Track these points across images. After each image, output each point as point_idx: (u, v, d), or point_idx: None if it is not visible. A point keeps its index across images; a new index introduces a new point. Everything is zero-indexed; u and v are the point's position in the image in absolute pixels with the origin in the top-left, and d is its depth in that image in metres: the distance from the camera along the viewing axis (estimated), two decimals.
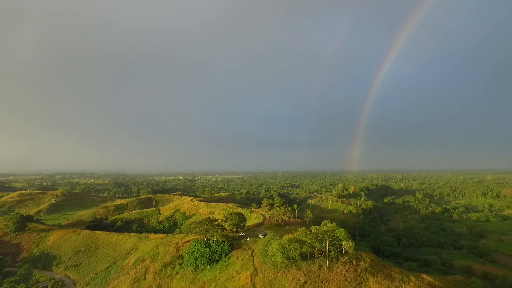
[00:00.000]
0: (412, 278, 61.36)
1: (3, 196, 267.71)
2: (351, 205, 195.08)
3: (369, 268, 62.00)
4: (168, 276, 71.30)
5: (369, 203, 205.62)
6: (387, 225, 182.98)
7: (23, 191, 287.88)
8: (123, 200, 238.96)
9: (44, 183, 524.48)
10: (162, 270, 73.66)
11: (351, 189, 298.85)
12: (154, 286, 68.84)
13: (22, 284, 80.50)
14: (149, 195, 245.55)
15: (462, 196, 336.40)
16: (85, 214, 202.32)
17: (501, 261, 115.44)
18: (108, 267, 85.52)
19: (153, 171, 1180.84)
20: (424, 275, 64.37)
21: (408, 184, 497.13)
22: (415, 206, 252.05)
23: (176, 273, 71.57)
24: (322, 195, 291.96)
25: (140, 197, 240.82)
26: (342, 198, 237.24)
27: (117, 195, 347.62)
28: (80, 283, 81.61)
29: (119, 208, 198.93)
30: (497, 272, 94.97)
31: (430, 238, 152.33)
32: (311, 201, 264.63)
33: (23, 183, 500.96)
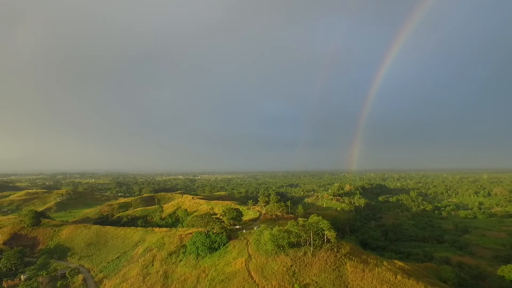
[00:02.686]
0: (385, 263, 70.84)
1: (10, 194, 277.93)
2: (345, 203, 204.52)
3: (347, 254, 71.50)
4: (173, 263, 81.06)
5: (362, 201, 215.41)
6: (378, 222, 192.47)
7: (29, 190, 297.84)
8: (127, 198, 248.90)
9: (47, 183, 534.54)
10: (167, 257, 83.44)
11: (347, 188, 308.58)
12: (161, 271, 78.55)
13: (43, 271, 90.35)
14: (151, 194, 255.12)
15: (455, 195, 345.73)
16: (90, 212, 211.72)
17: (479, 253, 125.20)
18: (118, 257, 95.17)
19: (153, 171, 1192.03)
20: (396, 261, 74.03)
21: (404, 183, 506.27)
22: (407, 204, 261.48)
23: (180, 260, 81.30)
24: (318, 193, 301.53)
25: (143, 195, 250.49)
26: (337, 197, 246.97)
27: (119, 194, 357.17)
28: (94, 271, 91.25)
29: (123, 206, 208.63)
30: (472, 262, 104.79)
31: (417, 233, 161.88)
32: (308, 200, 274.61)
33: (25, 183, 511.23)
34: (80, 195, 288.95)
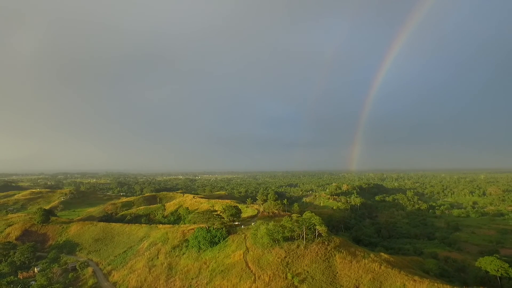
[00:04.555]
0: (372, 255, 77.10)
1: (15, 194, 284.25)
2: (341, 202, 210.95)
3: (337, 247, 77.77)
4: (177, 256, 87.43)
5: (358, 200, 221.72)
6: (373, 220, 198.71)
7: (33, 190, 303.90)
8: (129, 197, 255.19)
9: (48, 183, 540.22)
10: (171, 251, 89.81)
11: (344, 187, 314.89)
12: (165, 263, 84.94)
13: (55, 264, 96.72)
14: (153, 193, 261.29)
15: (451, 195, 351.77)
16: (94, 210, 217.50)
17: (466, 249, 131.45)
18: (125, 251, 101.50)
19: (153, 171, 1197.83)
20: (382, 253, 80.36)
21: (402, 183, 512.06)
22: (403, 204, 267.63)
23: (183, 253, 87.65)
24: (316, 193, 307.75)
25: (145, 195, 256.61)
26: (334, 196, 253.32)
27: (121, 194, 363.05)
28: (102, 264, 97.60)
29: (126, 204, 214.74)
30: (458, 257, 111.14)
31: (409, 231, 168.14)
32: (306, 199, 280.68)
33: (27, 183, 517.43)
34: (83, 194, 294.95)
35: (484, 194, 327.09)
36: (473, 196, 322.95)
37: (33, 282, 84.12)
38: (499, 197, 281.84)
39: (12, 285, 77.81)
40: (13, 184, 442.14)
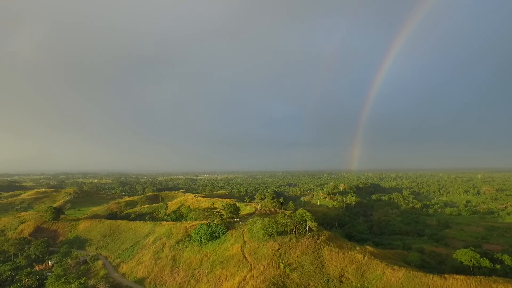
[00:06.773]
0: (357, 247, 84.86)
1: (20, 193, 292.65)
2: (337, 200, 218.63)
3: (326, 240, 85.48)
4: (180, 249, 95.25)
5: (353, 199, 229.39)
6: (367, 218, 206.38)
7: (39, 190, 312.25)
8: (132, 197, 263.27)
9: (51, 183, 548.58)
10: (175, 245, 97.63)
11: (341, 187, 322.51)
12: (170, 256, 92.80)
13: (67, 258, 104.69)
14: (155, 192, 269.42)
15: (446, 194, 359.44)
16: (98, 209, 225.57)
17: (453, 244, 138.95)
18: (132, 246, 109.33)
19: (154, 171, 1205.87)
20: (367, 246, 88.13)
21: (399, 182, 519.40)
22: (398, 202, 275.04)
23: (186, 247, 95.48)
24: (314, 192, 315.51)
25: (147, 194, 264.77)
26: (331, 195, 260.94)
27: (123, 194, 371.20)
28: (111, 257, 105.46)
29: (130, 203, 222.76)
30: (444, 251, 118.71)
31: (401, 228, 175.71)
32: (304, 198, 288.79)
33: (30, 183, 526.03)
34: (86, 194, 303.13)
35: (478, 193, 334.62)
36: (467, 195, 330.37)
37: (49, 274, 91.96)
38: (492, 196, 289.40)
39: (31, 275, 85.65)
40: (16, 184, 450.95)
